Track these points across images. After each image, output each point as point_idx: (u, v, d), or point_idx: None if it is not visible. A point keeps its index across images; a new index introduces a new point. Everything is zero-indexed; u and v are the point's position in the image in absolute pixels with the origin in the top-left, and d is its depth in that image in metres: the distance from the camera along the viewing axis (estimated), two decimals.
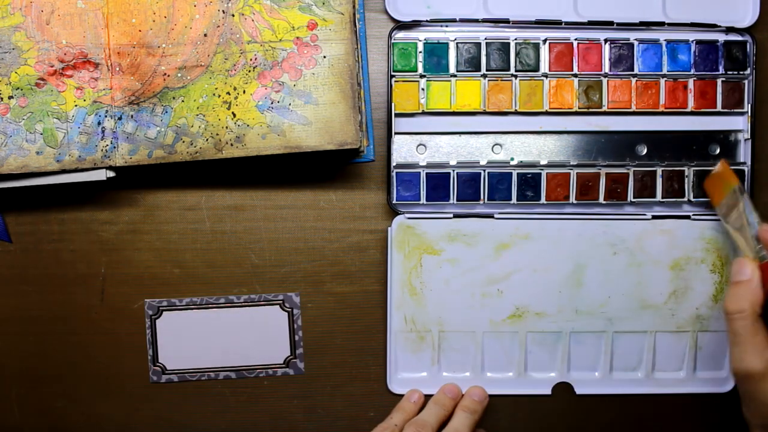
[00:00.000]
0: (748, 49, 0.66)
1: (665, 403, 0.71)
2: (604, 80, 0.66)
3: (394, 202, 0.66)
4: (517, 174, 0.67)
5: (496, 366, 0.69)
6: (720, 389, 0.70)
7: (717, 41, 0.66)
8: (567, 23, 0.66)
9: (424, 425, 0.63)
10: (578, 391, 0.69)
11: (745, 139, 0.67)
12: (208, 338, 0.68)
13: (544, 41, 0.66)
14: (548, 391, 0.69)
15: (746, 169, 0.67)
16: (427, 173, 0.66)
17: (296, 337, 0.68)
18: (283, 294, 0.68)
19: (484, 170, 0.66)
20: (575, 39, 0.66)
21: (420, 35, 0.66)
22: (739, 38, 0.67)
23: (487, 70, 0.66)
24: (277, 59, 0.61)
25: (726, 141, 0.68)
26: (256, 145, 0.61)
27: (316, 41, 0.61)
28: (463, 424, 0.64)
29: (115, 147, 0.60)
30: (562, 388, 0.69)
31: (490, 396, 0.68)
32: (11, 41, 0.59)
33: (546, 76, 0.66)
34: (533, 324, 0.68)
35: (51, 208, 0.66)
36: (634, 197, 0.67)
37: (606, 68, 0.66)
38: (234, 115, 0.61)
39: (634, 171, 0.67)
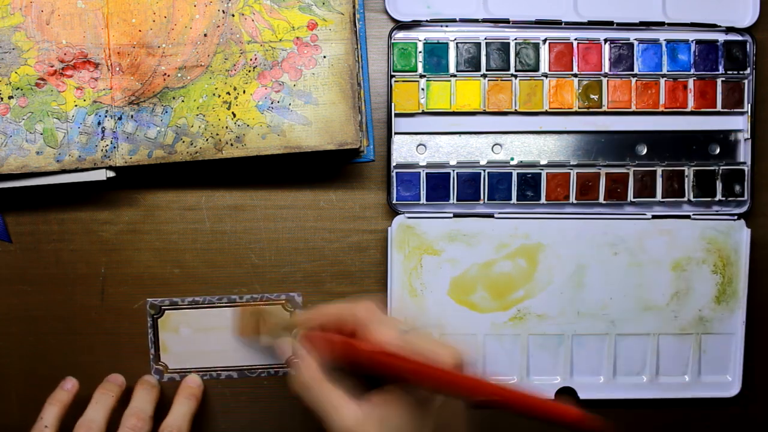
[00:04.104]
0: (748, 49, 0.66)
1: (670, 408, 0.70)
2: (604, 80, 0.66)
3: (394, 202, 0.66)
4: (517, 174, 0.67)
5: (498, 370, 0.68)
6: (726, 394, 0.69)
7: (717, 41, 0.66)
8: (567, 23, 0.66)
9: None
10: (582, 395, 0.68)
11: (745, 139, 0.67)
12: (210, 338, 0.68)
13: (544, 41, 0.66)
14: (551, 396, 0.68)
15: (746, 169, 0.67)
16: (427, 173, 0.66)
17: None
18: (285, 294, 0.68)
19: (484, 170, 0.66)
20: (575, 39, 0.66)
21: (420, 35, 0.66)
22: (739, 38, 0.67)
23: (487, 70, 0.66)
24: (277, 59, 0.61)
25: (726, 141, 0.67)
26: (256, 145, 0.61)
27: (316, 41, 0.61)
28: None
29: (115, 147, 0.61)
30: (566, 393, 0.69)
31: (493, 402, 0.67)
32: (11, 41, 0.59)
33: (546, 76, 0.66)
34: (535, 326, 0.68)
35: (51, 208, 0.66)
36: (634, 197, 0.67)
37: (606, 68, 0.66)
38: (234, 115, 0.61)
39: (634, 171, 0.67)
